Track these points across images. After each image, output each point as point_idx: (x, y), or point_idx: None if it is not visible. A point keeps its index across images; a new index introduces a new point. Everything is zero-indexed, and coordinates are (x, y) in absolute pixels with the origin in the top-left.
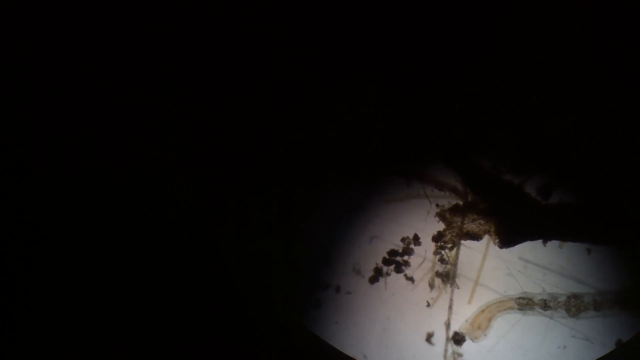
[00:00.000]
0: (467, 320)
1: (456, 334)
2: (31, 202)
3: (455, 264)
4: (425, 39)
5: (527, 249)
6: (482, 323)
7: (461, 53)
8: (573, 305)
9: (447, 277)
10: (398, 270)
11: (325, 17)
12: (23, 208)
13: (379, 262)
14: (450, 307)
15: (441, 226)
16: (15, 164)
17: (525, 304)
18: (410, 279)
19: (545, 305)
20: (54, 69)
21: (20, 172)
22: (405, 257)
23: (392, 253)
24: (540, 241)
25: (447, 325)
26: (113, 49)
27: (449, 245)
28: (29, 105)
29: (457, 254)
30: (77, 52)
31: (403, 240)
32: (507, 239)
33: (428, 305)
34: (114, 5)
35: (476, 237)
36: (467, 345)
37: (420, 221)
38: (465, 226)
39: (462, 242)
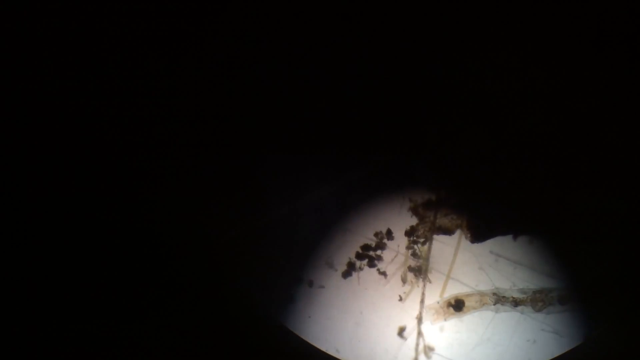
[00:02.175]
0: (438, 302)
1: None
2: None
3: (427, 259)
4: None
5: (499, 243)
6: (446, 312)
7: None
8: (540, 300)
9: (420, 271)
10: (371, 264)
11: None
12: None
13: (352, 256)
14: (422, 302)
15: (414, 221)
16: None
17: (496, 299)
18: (383, 273)
19: (515, 300)
20: (52, 68)
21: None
22: (378, 252)
23: (365, 247)
24: (510, 236)
25: (419, 319)
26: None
27: (422, 240)
28: (26, 105)
29: (429, 248)
30: (75, 51)
31: (376, 234)
32: (478, 234)
33: (400, 299)
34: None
35: (448, 231)
36: (439, 339)
37: (393, 216)
38: (437, 221)
39: (435, 236)
